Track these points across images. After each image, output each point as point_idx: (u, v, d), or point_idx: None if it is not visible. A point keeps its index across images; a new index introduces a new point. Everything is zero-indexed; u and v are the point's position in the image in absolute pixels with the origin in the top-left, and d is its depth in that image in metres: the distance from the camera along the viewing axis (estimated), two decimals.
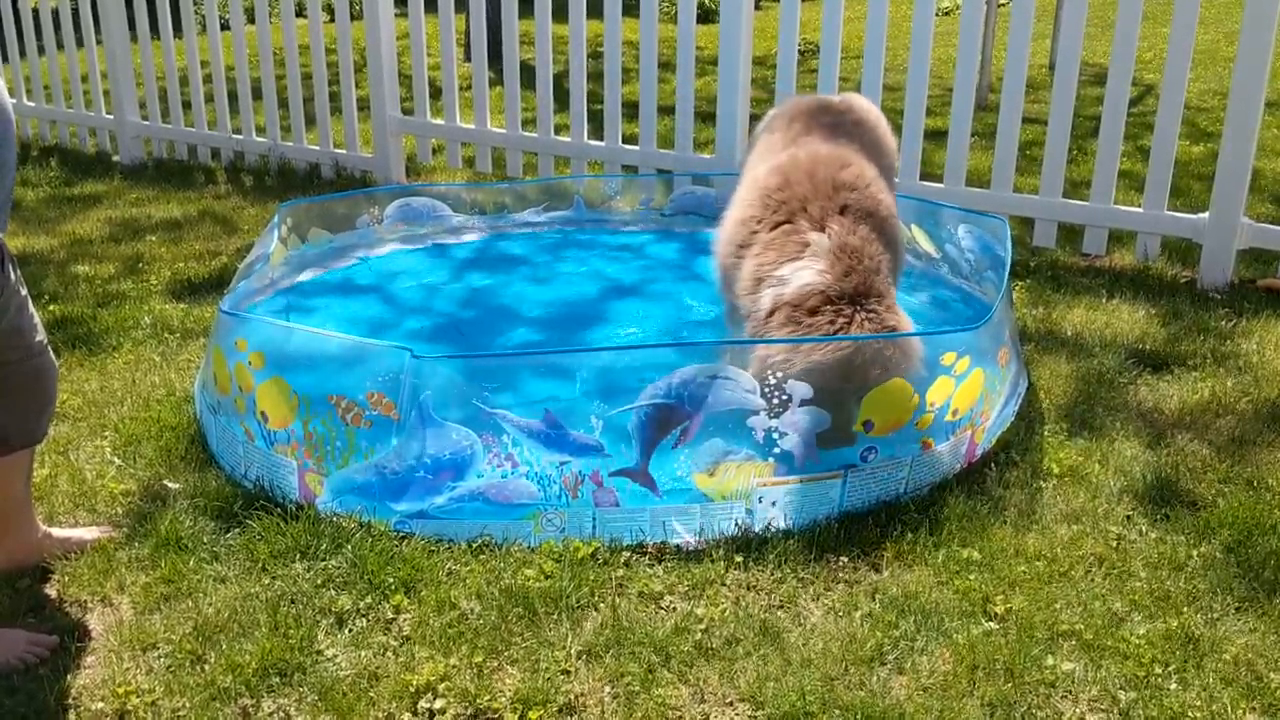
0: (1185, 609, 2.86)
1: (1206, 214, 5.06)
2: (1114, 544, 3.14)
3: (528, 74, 6.76)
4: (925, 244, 4.87)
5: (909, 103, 5.56)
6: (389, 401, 3.20)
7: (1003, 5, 10.95)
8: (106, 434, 3.83)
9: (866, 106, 4.34)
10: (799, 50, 5.82)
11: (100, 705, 2.61)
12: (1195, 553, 3.08)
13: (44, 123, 8.55)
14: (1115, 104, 5.15)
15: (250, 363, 3.41)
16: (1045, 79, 9.15)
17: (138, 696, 2.62)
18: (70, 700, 2.63)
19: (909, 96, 5.55)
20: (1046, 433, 3.72)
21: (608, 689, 2.63)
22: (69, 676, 2.70)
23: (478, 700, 2.59)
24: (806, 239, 3.51)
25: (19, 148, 8.34)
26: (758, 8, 6.32)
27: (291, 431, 3.34)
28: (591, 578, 3.00)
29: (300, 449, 3.32)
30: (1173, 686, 2.61)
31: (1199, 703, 2.56)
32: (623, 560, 3.09)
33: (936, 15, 5.45)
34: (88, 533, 3.23)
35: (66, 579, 3.06)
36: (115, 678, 2.68)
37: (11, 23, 8.33)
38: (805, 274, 3.44)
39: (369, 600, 2.93)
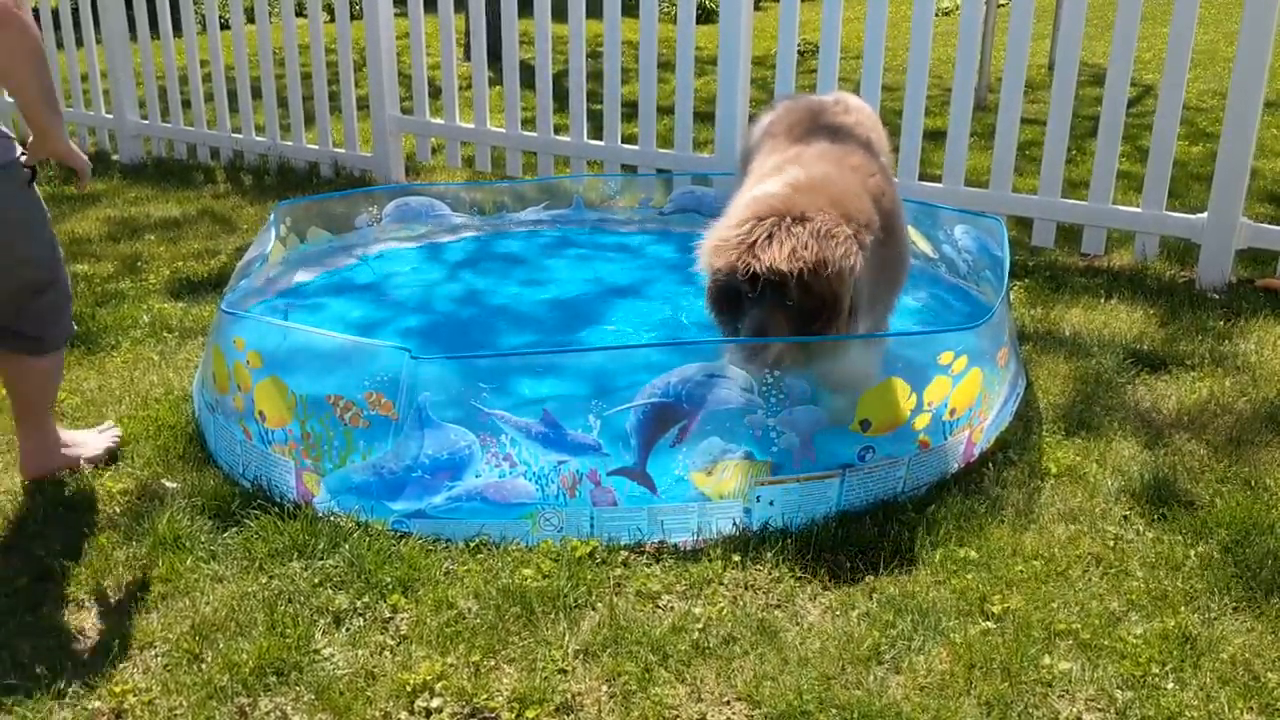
0: (1182, 608, 2.86)
1: (1205, 214, 5.06)
2: (1111, 543, 3.14)
3: (527, 73, 6.76)
4: (922, 244, 4.87)
5: (908, 103, 5.56)
6: (388, 401, 3.20)
7: (1002, 5, 10.95)
8: None
9: (860, 105, 4.29)
10: (798, 50, 5.82)
11: (97, 704, 2.61)
12: (1193, 552, 3.08)
13: None
14: (1114, 104, 5.15)
15: (248, 361, 3.41)
16: (1044, 79, 9.16)
17: (135, 695, 2.62)
18: (68, 699, 2.63)
19: (908, 96, 5.55)
20: (1044, 432, 3.72)
21: (605, 688, 2.63)
22: (66, 675, 2.70)
23: (475, 699, 2.59)
24: (785, 169, 3.57)
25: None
26: (757, 8, 6.30)
27: (289, 431, 3.34)
28: (589, 577, 3.00)
29: (298, 448, 3.32)
30: (1170, 686, 2.61)
31: (1196, 702, 2.56)
32: (620, 559, 3.09)
33: (935, 15, 5.44)
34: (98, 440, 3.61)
35: (64, 578, 3.07)
36: (112, 676, 2.68)
37: None
38: (767, 185, 3.47)
39: (366, 599, 2.93)
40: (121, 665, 2.73)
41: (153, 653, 2.77)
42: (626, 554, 3.12)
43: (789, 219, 3.23)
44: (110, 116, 7.99)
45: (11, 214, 3.20)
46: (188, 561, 3.09)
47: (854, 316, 3.36)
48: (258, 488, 3.41)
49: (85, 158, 3.43)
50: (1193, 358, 4.27)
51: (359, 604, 2.91)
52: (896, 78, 8.17)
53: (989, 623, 2.82)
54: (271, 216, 4.73)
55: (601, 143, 6.39)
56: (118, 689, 2.63)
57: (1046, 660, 2.68)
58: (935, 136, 6.48)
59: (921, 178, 5.69)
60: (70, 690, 2.65)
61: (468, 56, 7.61)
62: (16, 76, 3.04)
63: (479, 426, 3.17)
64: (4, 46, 2.99)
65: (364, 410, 3.22)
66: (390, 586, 2.96)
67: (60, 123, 3.26)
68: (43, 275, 3.31)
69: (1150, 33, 10.84)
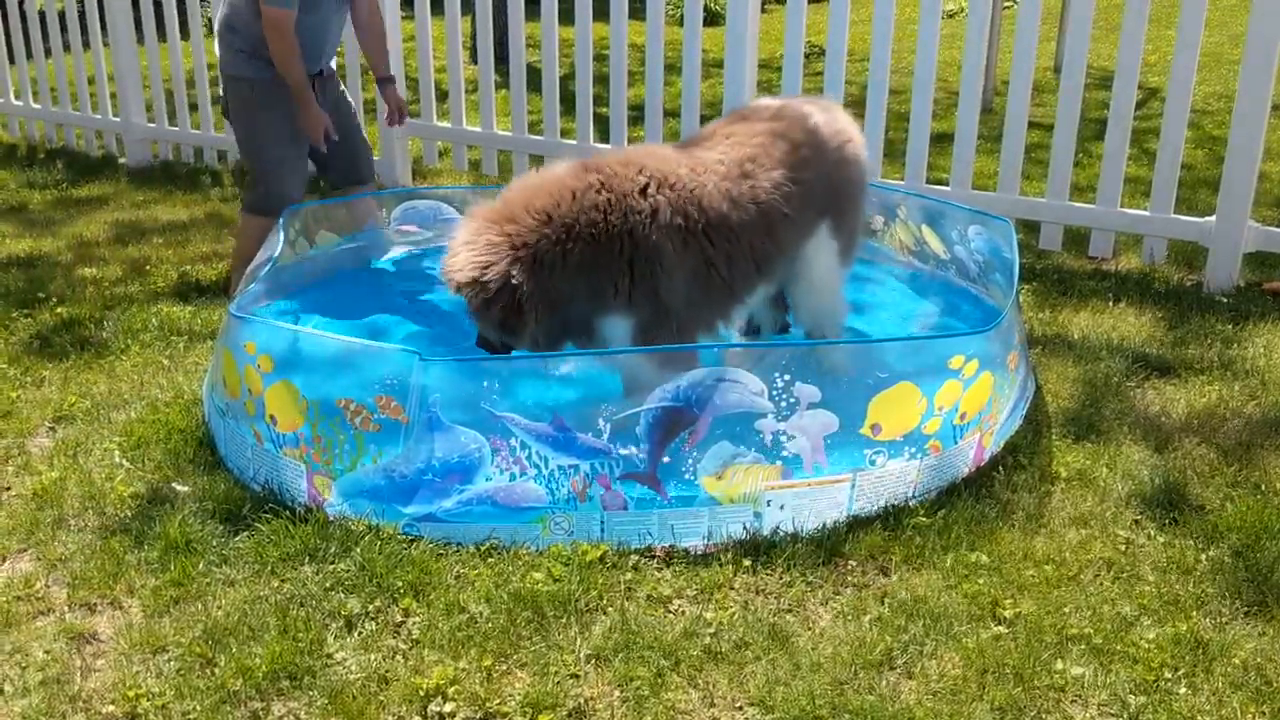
0: (1194, 613, 2.86)
1: (1213, 217, 5.06)
2: (1122, 548, 3.14)
3: (533, 77, 6.76)
4: (935, 244, 4.85)
5: (915, 106, 5.55)
6: (397, 405, 3.20)
7: (1007, 8, 10.94)
8: (115, 437, 3.84)
9: (802, 112, 3.92)
10: (805, 53, 5.82)
11: (111, 708, 2.61)
12: (1204, 557, 3.08)
13: (50, 125, 8.56)
14: (1122, 106, 5.14)
15: (259, 366, 3.42)
16: (1049, 82, 9.15)
17: (148, 699, 2.63)
18: (81, 703, 2.63)
19: (915, 99, 5.55)
20: (1054, 436, 3.72)
21: (617, 693, 2.64)
22: (79, 679, 2.71)
23: (487, 704, 2.60)
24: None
25: (25, 149, 8.35)
26: (764, 10, 6.30)
27: (300, 434, 3.34)
28: (600, 581, 3.01)
29: (309, 452, 3.33)
30: (1182, 691, 2.61)
31: (1208, 707, 2.56)
32: (631, 563, 3.10)
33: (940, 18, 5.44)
34: None
35: (76, 581, 3.07)
36: (125, 680, 2.69)
37: (19, 25, 8.34)
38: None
39: (378, 603, 2.93)
40: (134, 669, 2.73)
41: (165, 657, 2.78)
42: (637, 558, 3.12)
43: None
44: (117, 120, 7.99)
45: (265, 105, 4.94)
46: (199, 565, 3.10)
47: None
48: (269, 491, 3.41)
49: (321, 124, 4.97)
50: (1201, 361, 4.27)
51: (371, 608, 2.91)
52: (902, 80, 8.15)
53: (1001, 627, 2.82)
54: (280, 220, 4.74)
55: (608, 146, 6.39)
56: (131, 693, 2.64)
57: (1059, 665, 2.68)
58: (940, 140, 6.48)
59: (928, 181, 5.69)
60: (84, 694, 2.66)
61: (474, 60, 7.61)
62: (288, 71, 4.75)
63: (489, 429, 3.18)
64: (280, 48, 4.71)
65: (374, 414, 3.23)
66: (401, 590, 2.97)
67: (307, 99, 4.87)
68: (247, 155, 5.25)
69: (1156, 35, 10.81)
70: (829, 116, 3.98)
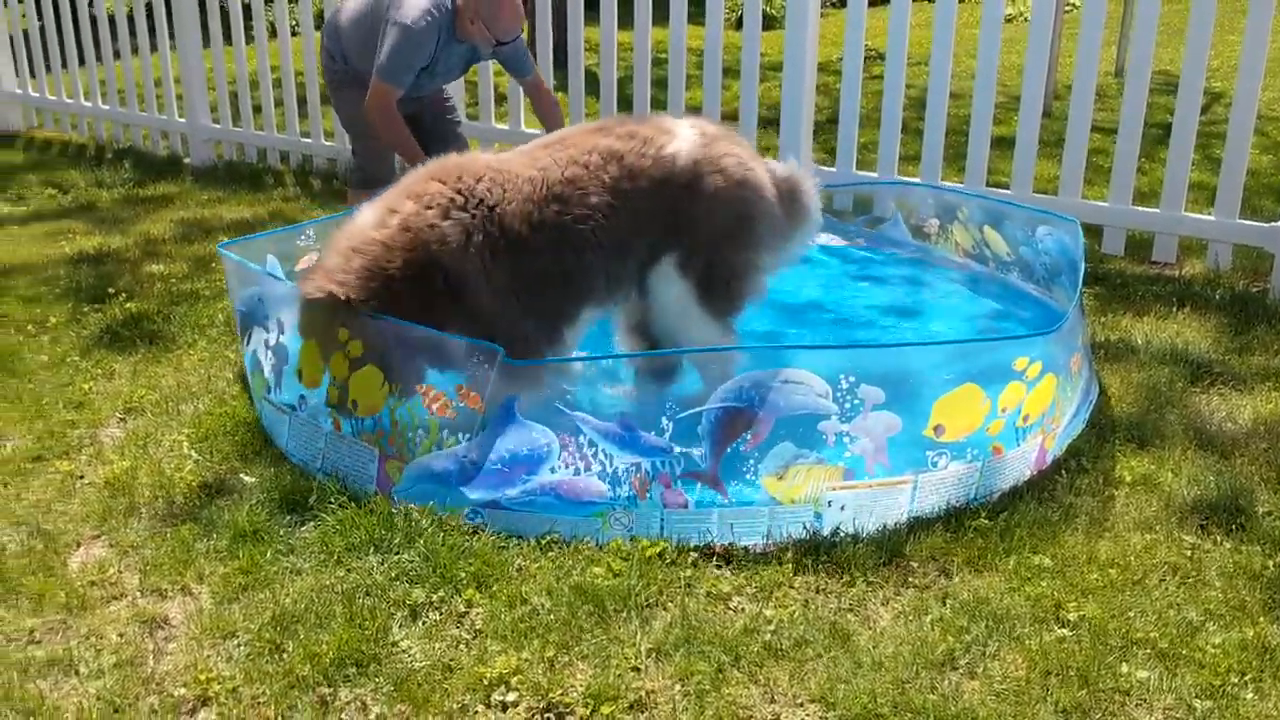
0: (1261, 618, 2.83)
1: (1278, 223, 4.99)
2: (1188, 553, 3.11)
3: (591, 80, 6.81)
4: (999, 245, 4.81)
5: (975, 109, 5.53)
6: (475, 395, 3.26)
7: (1068, 12, 10.83)
8: (183, 429, 3.92)
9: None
10: (864, 56, 5.81)
11: (183, 691, 2.67)
12: (1270, 563, 3.05)
13: (118, 126, 8.73)
14: (1187, 110, 5.09)
15: (349, 351, 3.46)
16: (1109, 86, 9.05)
17: (219, 683, 2.68)
18: (154, 685, 2.69)
19: (976, 103, 5.52)
20: (1117, 441, 3.69)
21: (678, 687, 2.65)
22: (152, 662, 2.77)
23: (550, 694, 2.62)
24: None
25: (94, 149, 8.53)
26: (822, 14, 6.26)
27: (378, 419, 3.40)
28: (659, 577, 3.03)
29: (384, 436, 3.39)
30: (1249, 696, 2.58)
31: (1275, 713, 2.53)
32: (690, 560, 3.11)
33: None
34: None
35: (147, 568, 3.14)
36: (197, 664, 2.75)
37: (88, 28, 8.53)
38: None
39: (441, 594, 2.97)
40: (205, 654, 2.79)
41: (235, 642, 2.83)
42: (695, 555, 3.13)
43: None
44: (183, 121, 8.14)
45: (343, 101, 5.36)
46: (267, 554, 3.15)
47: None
48: (335, 481, 3.45)
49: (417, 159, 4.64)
50: (1266, 369, 4.21)
51: (435, 598, 2.95)
52: (961, 84, 8.11)
53: (1064, 630, 2.80)
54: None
55: None
56: (202, 676, 2.69)
57: (1124, 668, 2.66)
58: (999, 144, 6.43)
59: (988, 184, 5.66)
60: (157, 676, 2.72)
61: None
62: (394, 142, 4.99)
63: (560, 426, 3.22)
64: (380, 120, 4.90)
65: (453, 401, 3.29)
66: (465, 582, 3.00)
67: (413, 157, 4.78)
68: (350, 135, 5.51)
69: (1219, 40, 10.67)
70: (697, 145, 3.69)
